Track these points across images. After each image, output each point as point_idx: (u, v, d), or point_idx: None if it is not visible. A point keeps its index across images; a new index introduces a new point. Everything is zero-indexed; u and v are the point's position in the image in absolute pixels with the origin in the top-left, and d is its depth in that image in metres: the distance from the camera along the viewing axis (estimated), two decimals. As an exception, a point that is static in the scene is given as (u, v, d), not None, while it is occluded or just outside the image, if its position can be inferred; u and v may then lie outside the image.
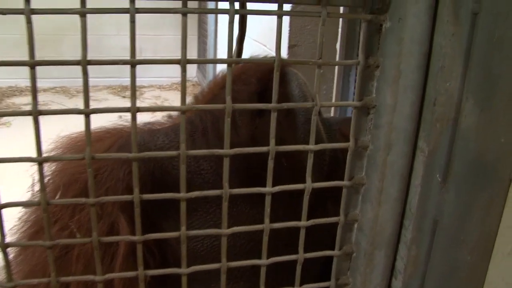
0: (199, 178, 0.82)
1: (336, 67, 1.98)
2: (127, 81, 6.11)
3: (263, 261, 0.61)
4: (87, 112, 0.50)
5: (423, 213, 0.58)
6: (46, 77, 5.59)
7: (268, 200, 0.57)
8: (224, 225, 0.58)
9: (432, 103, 0.54)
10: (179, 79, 6.18)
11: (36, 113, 0.48)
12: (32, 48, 0.47)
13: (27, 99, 5.23)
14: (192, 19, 6.27)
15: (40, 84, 6.03)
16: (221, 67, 0.95)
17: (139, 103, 5.69)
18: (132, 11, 0.47)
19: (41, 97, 5.44)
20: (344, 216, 0.62)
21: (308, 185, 0.58)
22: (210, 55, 5.59)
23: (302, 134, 0.85)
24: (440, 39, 0.53)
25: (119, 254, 0.73)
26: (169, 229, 0.80)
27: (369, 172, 0.60)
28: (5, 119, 4.88)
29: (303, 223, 0.61)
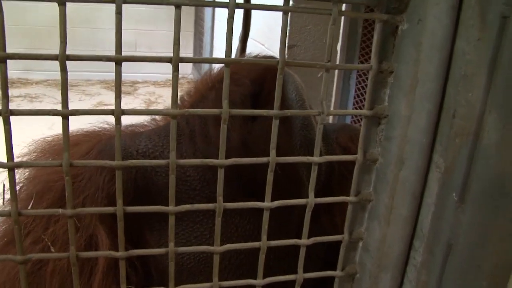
0: (185, 185, 0.77)
1: (336, 69, 1.93)
2: (125, 76, 6.04)
3: (259, 281, 0.56)
4: (65, 114, 0.44)
5: (436, 235, 0.53)
6: (39, 69, 5.50)
7: (266, 216, 0.52)
8: (217, 242, 0.52)
9: (451, 115, 0.49)
10: (174, 76, 6.10)
11: (6, 114, 0.42)
12: (3, 39, 0.41)
13: (19, 91, 5.14)
14: (189, 15, 6.19)
15: (32, 76, 5.96)
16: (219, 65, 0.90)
17: (132, 99, 5.63)
18: (119, 1, 0.41)
19: (33, 90, 5.35)
20: (349, 234, 0.57)
21: (311, 200, 0.52)
22: (206, 53, 5.52)
23: (298, 141, 0.79)
24: (463, 44, 0.47)
25: (98, 270, 0.68)
26: (153, 241, 0.74)
27: (377, 187, 0.54)
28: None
29: (304, 241, 0.55)
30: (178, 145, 0.80)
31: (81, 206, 0.72)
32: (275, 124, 0.48)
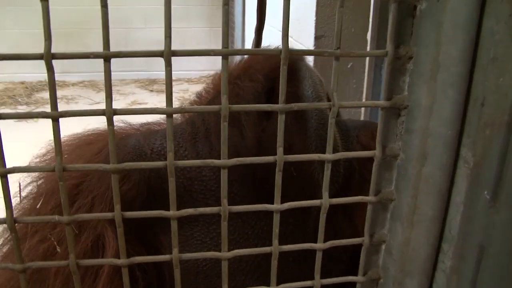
0: (200, 185, 0.73)
1: (367, 59, 1.85)
2: (155, 74, 6.10)
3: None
4: (54, 116, 0.42)
5: (467, 237, 0.48)
6: (74, 71, 5.61)
7: (276, 218, 0.48)
8: (224, 248, 0.48)
9: (479, 103, 0.43)
10: (207, 72, 6.11)
11: (-11, 118, 0.40)
12: None
13: (58, 93, 5.21)
14: (218, 11, 6.15)
15: (68, 78, 6.07)
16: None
17: (163, 97, 5.65)
18: (102, -9, 0.38)
19: (69, 91, 5.46)
20: (369, 236, 0.52)
21: (325, 201, 0.48)
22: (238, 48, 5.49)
23: (314, 141, 0.74)
24: (492, 22, 0.42)
25: (103, 273, 0.65)
26: (167, 243, 0.72)
27: (399, 186, 0.49)
28: (34, 112, 4.92)
29: (320, 245, 0.51)
30: (195, 144, 0.77)
31: (90, 206, 0.70)
32: (281, 119, 0.44)
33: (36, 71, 5.58)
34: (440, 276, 0.51)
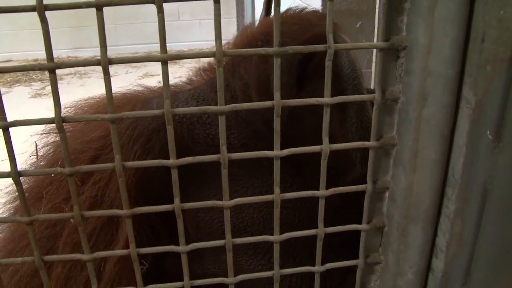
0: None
1: (376, 16, 1.81)
2: (169, 46, 6.06)
3: (276, 237, 0.52)
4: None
5: (470, 179, 0.47)
6: (87, 46, 5.62)
7: (276, 165, 0.48)
8: (225, 197, 0.49)
9: (480, 39, 0.42)
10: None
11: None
12: None
13: (68, 69, 5.27)
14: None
15: (82, 53, 6.10)
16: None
17: (178, 68, 5.64)
18: None
19: (82, 67, 5.49)
20: (372, 183, 0.52)
21: (325, 147, 0.48)
22: (248, 18, 5.43)
23: (354, 123, 0.72)
24: (492, -47, 0.40)
25: (119, 239, 0.66)
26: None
27: (401, 130, 0.49)
28: (47, 89, 4.97)
29: (323, 192, 0.51)
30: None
31: (107, 181, 0.70)
32: (276, 63, 0.43)
33: (48, 48, 5.60)
34: (445, 221, 0.51)
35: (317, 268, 0.55)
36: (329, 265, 0.56)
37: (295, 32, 0.72)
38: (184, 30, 5.93)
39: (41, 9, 0.41)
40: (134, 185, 0.68)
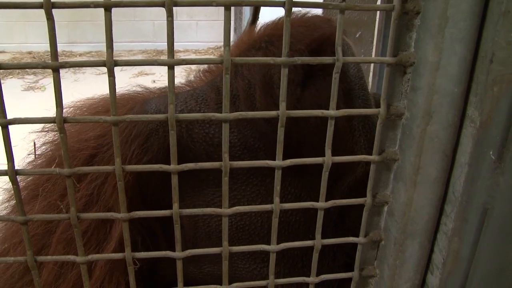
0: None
1: (376, 27, 1.81)
2: (163, 45, 6.05)
3: (273, 247, 0.52)
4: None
5: (470, 198, 0.47)
6: (82, 41, 5.59)
7: (278, 175, 0.47)
8: (224, 204, 0.48)
9: (488, 60, 0.42)
10: (215, 44, 6.06)
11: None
12: None
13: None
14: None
15: (75, 48, 6.07)
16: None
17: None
18: None
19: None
20: (372, 197, 0.52)
21: (328, 159, 0.47)
22: (245, 20, 5.43)
23: (361, 122, 0.72)
24: (504, -26, 0.40)
25: (112, 237, 0.65)
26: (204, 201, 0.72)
27: (403, 145, 0.49)
28: (40, 83, 4.93)
29: (322, 204, 0.51)
30: (218, 110, 0.74)
31: (104, 179, 0.69)
32: (284, 73, 0.43)
33: (43, 41, 5.57)
34: (442, 238, 0.51)
35: (312, 279, 0.55)
36: (324, 277, 0.55)
37: (301, 33, 0.72)
38: (181, 30, 5.92)
39: (48, 7, 0.40)
40: (130, 185, 0.68)
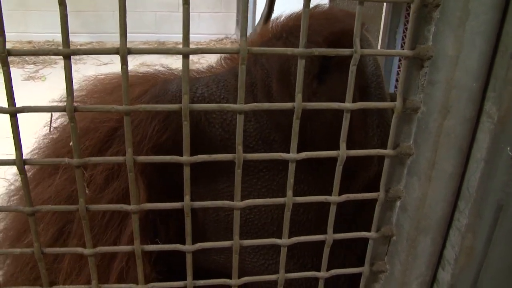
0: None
1: (382, 20, 1.80)
2: (164, 36, 6.03)
3: (284, 241, 0.51)
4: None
5: (485, 194, 0.47)
6: (83, 32, 5.56)
7: (292, 167, 0.47)
8: (237, 197, 0.48)
9: (508, 54, 0.41)
10: (217, 36, 6.03)
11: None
12: None
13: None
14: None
15: (76, 39, 6.04)
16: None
17: (175, 59, 5.60)
18: None
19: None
20: (385, 192, 0.51)
21: (342, 152, 0.47)
22: (250, 11, 5.40)
23: (375, 119, 0.71)
24: (528, -33, 0.39)
25: (129, 225, 0.64)
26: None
27: (418, 140, 0.48)
28: (40, 73, 4.91)
29: (335, 198, 0.50)
30: (236, 97, 0.74)
31: (123, 153, 0.68)
32: (300, 64, 0.42)
33: (43, 31, 5.54)
34: (455, 234, 0.50)
35: (322, 274, 0.54)
36: (334, 271, 0.55)
37: (320, 25, 0.71)
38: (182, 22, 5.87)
39: (61, -7, 0.39)
40: (149, 149, 0.67)
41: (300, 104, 0.43)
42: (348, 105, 0.44)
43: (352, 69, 0.42)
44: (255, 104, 0.42)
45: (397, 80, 2.00)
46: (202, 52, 0.40)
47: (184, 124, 0.43)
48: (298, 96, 0.43)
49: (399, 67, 1.96)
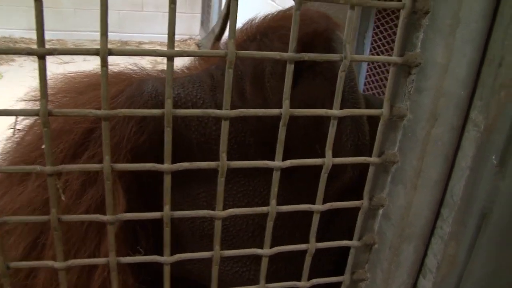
0: (216, 144, 0.68)
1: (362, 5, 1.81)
2: (127, 36, 5.91)
3: (266, 251, 0.50)
4: (42, 53, 0.37)
5: (469, 202, 0.46)
6: (65, 29, 5.39)
7: (276, 176, 0.45)
8: (219, 207, 0.46)
9: (496, 63, 0.41)
10: (182, 37, 5.97)
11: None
12: None
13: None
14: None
15: (35, 36, 5.87)
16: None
17: (139, 60, 5.51)
18: None
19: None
20: (368, 200, 0.51)
21: (328, 160, 0.46)
22: (214, 13, 5.37)
23: (349, 124, 0.70)
24: (517, -24, 0.39)
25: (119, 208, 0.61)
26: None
27: (404, 148, 0.47)
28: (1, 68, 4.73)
29: (318, 206, 0.49)
30: (213, 96, 0.71)
31: (100, 157, 0.64)
32: (289, 69, 0.41)
33: (0, 27, 5.34)
34: (437, 242, 0.50)
35: (303, 284, 0.53)
36: (316, 281, 0.54)
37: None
38: (146, 21, 5.79)
39: (36, -11, 0.36)
40: (127, 152, 0.64)
41: (287, 111, 0.41)
42: (336, 112, 0.43)
43: (341, 75, 0.41)
44: (241, 110, 0.41)
45: (365, 84, 2.02)
46: (187, 55, 0.38)
47: (167, 130, 0.40)
48: (286, 103, 0.41)
49: (367, 71, 1.98)
